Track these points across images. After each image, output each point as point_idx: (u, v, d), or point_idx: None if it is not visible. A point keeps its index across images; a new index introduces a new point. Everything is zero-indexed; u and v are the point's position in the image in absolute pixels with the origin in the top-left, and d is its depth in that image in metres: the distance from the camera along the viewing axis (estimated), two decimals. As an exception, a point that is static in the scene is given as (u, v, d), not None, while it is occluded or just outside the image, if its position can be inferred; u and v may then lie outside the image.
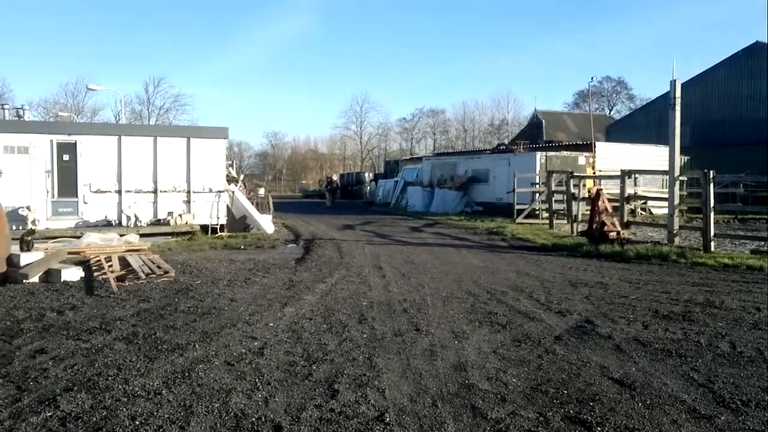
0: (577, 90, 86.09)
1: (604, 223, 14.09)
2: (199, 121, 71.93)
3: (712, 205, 13.16)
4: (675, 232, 14.20)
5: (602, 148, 27.75)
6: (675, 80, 14.11)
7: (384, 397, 4.68)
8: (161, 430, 4.06)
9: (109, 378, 5.05)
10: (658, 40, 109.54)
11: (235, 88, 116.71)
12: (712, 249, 12.99)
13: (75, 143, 16.73)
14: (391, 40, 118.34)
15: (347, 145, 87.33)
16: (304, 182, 76.82)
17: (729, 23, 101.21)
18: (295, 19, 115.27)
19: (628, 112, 63.70)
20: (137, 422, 4.18)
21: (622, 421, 4.21)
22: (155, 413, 4.32)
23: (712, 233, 13.13)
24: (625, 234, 14.30)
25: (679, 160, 14.68)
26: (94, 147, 16.88)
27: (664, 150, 22.79)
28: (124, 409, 4.39)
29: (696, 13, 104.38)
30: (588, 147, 28.03)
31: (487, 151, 38.00)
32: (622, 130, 40.47)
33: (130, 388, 4.82)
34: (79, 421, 4.19)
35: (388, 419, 4.24)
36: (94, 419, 4.21)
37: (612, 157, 26.48)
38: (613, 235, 13.91)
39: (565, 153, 26.93)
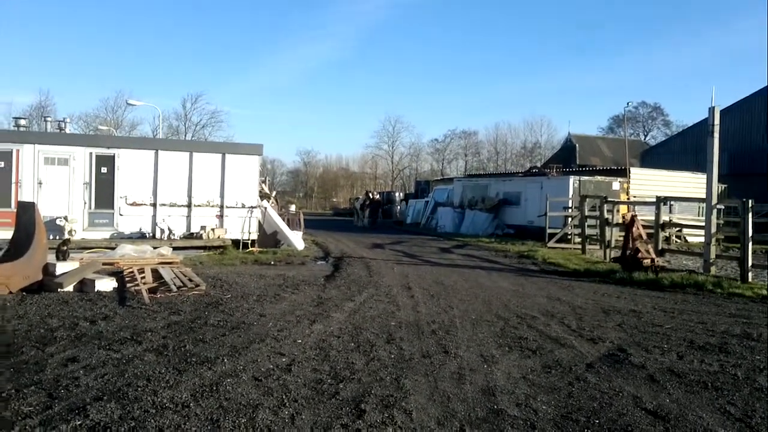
0: (612, 114, 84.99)
1: (638, 250, 13.83)
2: (234, 137, 72.67)
3: (750, 234, 12.88)
4: (711, 261, 13.91)
5: (637, 173, 27.33)
6: (714, 107, 13.91)
7: (411, 419, 4.63)
8: (188, 443, 4.07)
9: (139, 389, 5.09)
10: (696, 67, 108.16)
11: (271, 107, 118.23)
12: (750, 279, 12.67)
13: (113, 156, 17.11)
14: (424, 63, 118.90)
15: (378, 164, 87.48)
16: (335, 200, 77.13)
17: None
18: (330, 41, 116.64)
19: (663, 138, 62.84)
20: (164, 434, 4.20)
21: (656, 454, 4.10)
22: (182, 426, 4.33)
23: (749, 263, 12.83)
24: (660, 262, 14.02)
25: (716, 187, 14.40)
26: (131, 160, 17.24)
27: (700, 177, 22.39)
28: (152, 420, 4.42)
29: (735, 40, 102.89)
30: (622, 172, 27.66)
31: (520, 174, 37.71)
32: (658, 156, 39.87)
33: (159, 399, 4.85)
34: (108, 431, 4.22)
35: (414, 442, 4.19)
36: (123, 430, 4.24)
37: (647, 183, 26.07)
38: (647, 262, 13.64)
39: (599, 178, 26.55)
